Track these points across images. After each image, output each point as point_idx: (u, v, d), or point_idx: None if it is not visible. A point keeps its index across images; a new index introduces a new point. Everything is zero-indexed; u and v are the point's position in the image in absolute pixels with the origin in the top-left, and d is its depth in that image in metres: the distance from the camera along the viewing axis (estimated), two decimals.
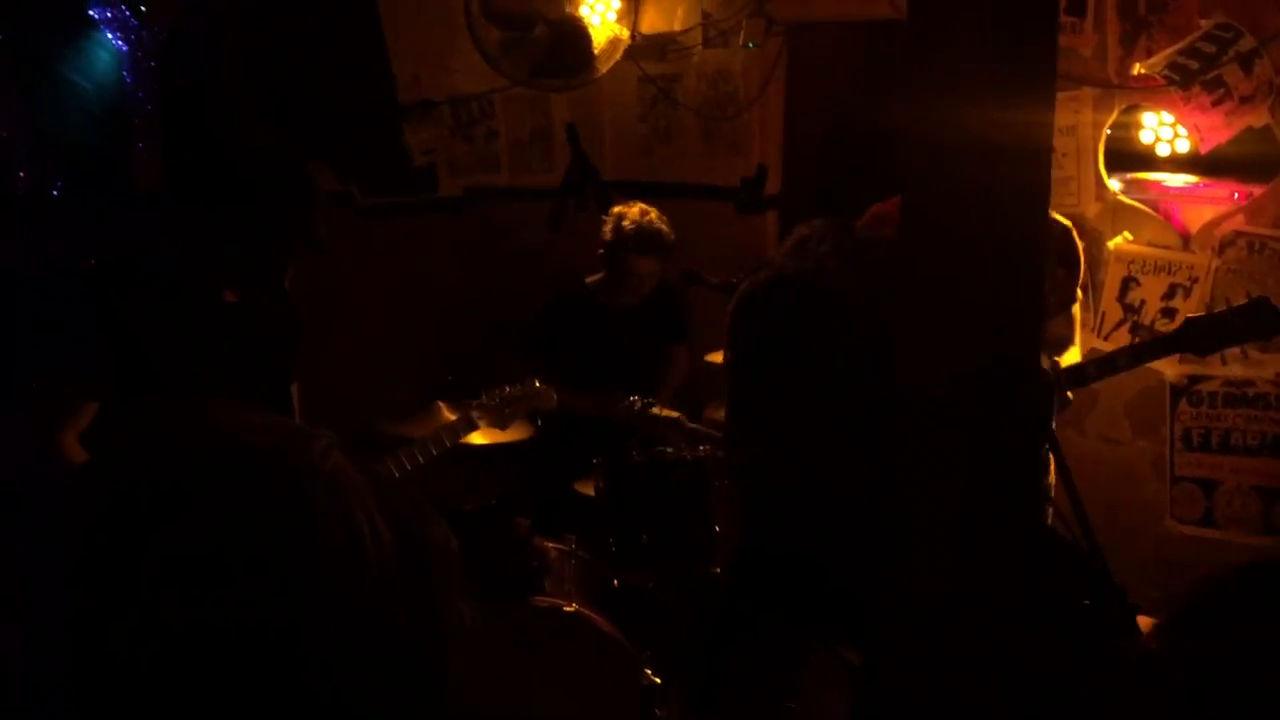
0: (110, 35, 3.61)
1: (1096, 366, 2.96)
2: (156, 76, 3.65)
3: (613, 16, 4.84)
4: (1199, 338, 2.70)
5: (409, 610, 0.87)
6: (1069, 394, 2.95)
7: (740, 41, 4.78)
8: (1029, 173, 1.53)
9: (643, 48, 4.94)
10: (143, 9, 3.64)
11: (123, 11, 3.62)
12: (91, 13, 3.58)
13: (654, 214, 4.14)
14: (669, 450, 3.82)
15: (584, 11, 4.80)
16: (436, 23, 4.65)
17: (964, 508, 1.53)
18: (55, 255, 3.44)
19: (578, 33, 4.80)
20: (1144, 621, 2.29)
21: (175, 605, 0.80)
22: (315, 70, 3.99)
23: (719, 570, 3.68)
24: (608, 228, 4.11)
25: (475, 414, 3.44)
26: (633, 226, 4.08)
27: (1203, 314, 3.08)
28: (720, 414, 4.09)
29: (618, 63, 4.91)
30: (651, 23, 4.97)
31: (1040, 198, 1.61)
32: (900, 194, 1.67)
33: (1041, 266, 1.66)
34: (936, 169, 1.52)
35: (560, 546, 3.56)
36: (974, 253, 1.51)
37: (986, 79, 1.47)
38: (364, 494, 0.87)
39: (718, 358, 3.97)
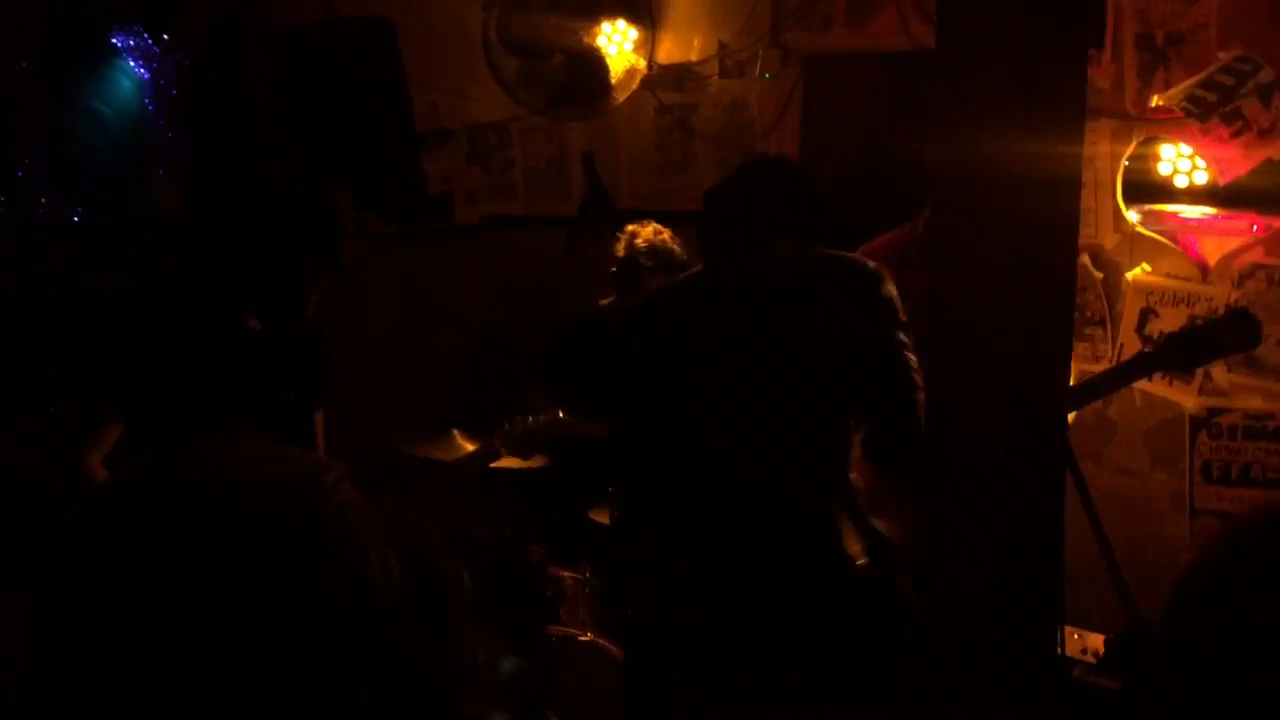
0: (132, 63, 3.64)
1: (1077, 393, 2.89)
2: (178, 104, 3.68)
3: (630, 47, 4.87)
4: (1179, 353, 2.60)
5: (421, 646, 0.86)
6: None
7: (757, 72, 4.80)
8: (1060, 204, 1.53)
9: (659, 77, 4.96)
10: (165, 37, 3.66)
11: (145, 40, 3.64)
12: (114, 40, 3.60)
13: (667, 234, 4.15)
14: None
15: (601, 42, 4.83)
16: (454, 52, 4.68)
17: (999, 533, 1.52)
18: (77, 280, 3.45)
19: (595, 63, 4.83)
20: None
21: (185, 637, 0.79)
22: (335, 98, 4.01)
23: None
24: (620, 245, 4.12)
25: (498, 443, 3.44)
26: (645, 245, 4.09)
27: (1184, 328, 3.03)
28: None
29: (634, 92, 4.93)
30: (668, 53, 4.99)
31: (1071, 228, 1.61)
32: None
33: (1072, 296, 1.65)
34: (968, 201, 1.52)
35: (575, 575, 3.55)
36: (1005, 283, 1.51)
37: (1018, 112, 1.47)
38: (376, 528, 0.86)
39: None
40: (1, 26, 3.46)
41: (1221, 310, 3.84)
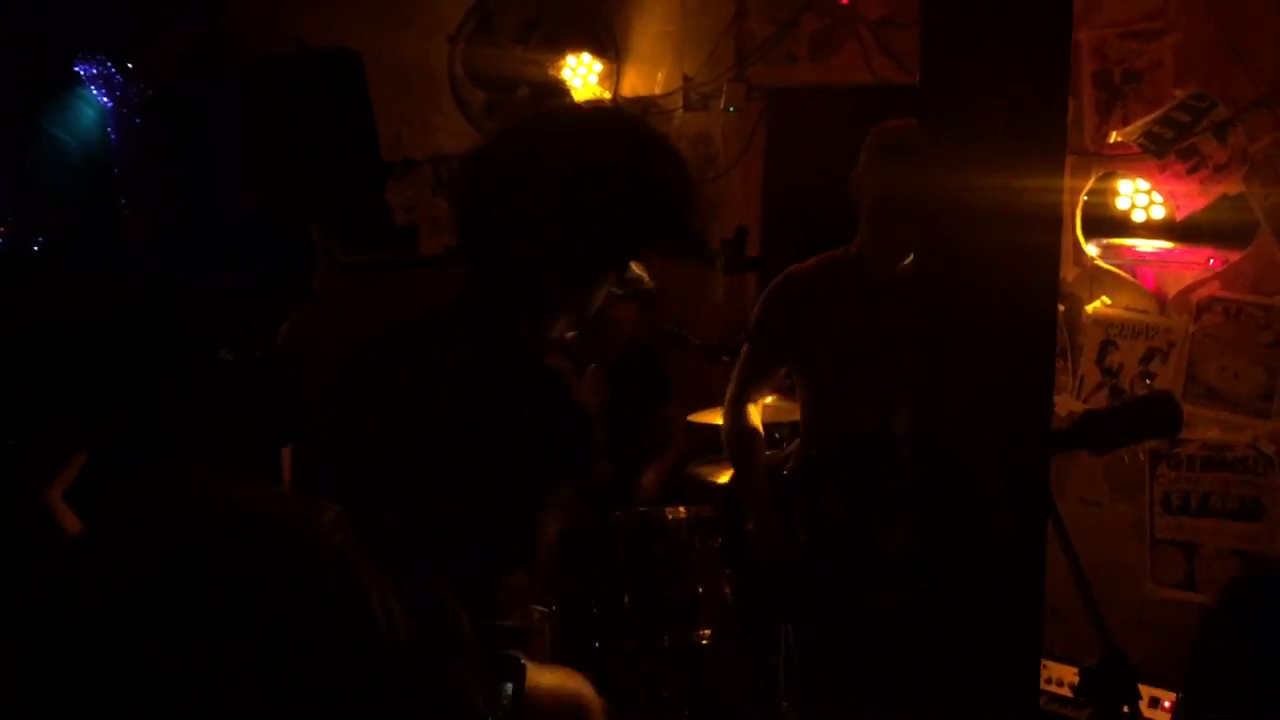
0: (96, 92, 3.60)
1: None
2: (142, 133, 3.64)
3: (594, 79, 4.90)
4: (1096, 434, 2.52)
5: (424, 687, 0.85)
6: None
7: (721, 105, 4.84)
8: (1042, 237, 1.55)
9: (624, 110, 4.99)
10: (129, 66, 3.63)
11: (109, 68, 3.61)
12: (78, 69, 3.57)
13: (634, 266, 4.16)
14: (652, 511, 3.80)
15: (566, 74, 4.86)
16: (420, 84, 4.68)
17: (981, 568, 1.53)
18: (38, 310, 3.39)
19: (560, 95, 4.85)
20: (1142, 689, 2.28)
21: (188, 677, 0.77)
22: (302, 128, 3.99)
23: (704, 633, 3.65)
24: None
25: None
26: None
27: (1103, 408, 3.05)
28: (707, 472, 4.08)
29: None
30: (633, 86, 5.03)
31: (1052, 263, 1.63)
32: None
33: (1053, 331, 1.68)
34: (952, 237, 1.54)
35: (540, 608, 3.52)
36: (990, 315, 1.53)
37: (1001, 147, 1.49)
38: (373, 570, 0.85)
39: (703, 417, 3.97)
40: None
41: (1180, 342, 3.91)
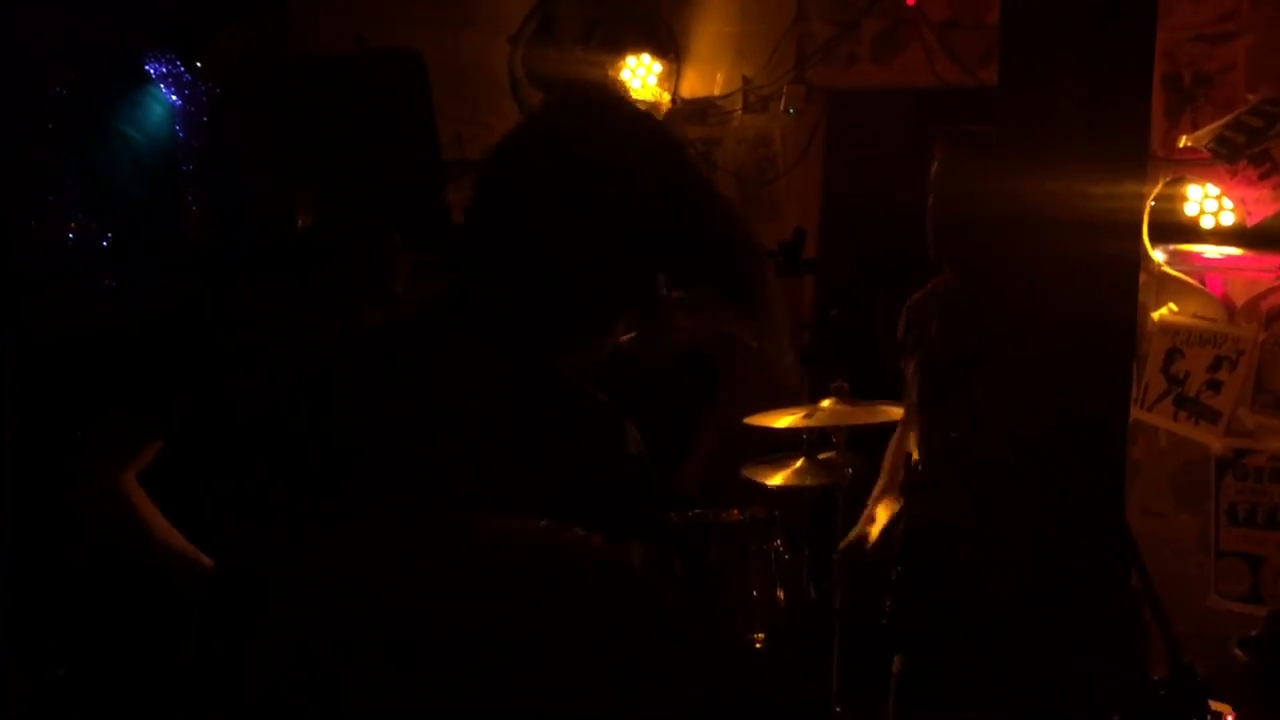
0: (165, 90, 3.65)
1: None
2: (208, 131, 3.69)
3: (654, 80, 4.89)
4: None
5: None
6: None
7: (781, 107, 4.81)
8: (1121, 246, 1.52)
9: (683, 111, 4.98)
10: (197, 65, 3.68)
11: (177, 67, 3.65)
12: (147, 68, 3.62)
13: None
14: (706, 514, 3.78)
15: (625, 75, 4.86)
16: (480, 85, 4.70)
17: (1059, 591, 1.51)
18: (105, 306, 3.45)
19: (612, 96, 4.85)
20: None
21: None
22: (363, 128, 4.02)
23: (759, 637, 3.63)
24: None
25: None
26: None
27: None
28: (760, 474, 4.05)
29: None
30: (692, 87, 5.01)
31: (1131, 271, 1.60)
32: None
33: (1133, 340, 1.65)
34: (1028, 243, 1.51)
35: None
36: (1065, 327, 1.50)
37: (1081, 151, 1.46)
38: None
39: (761, 420, 3.94)
40: (34, 53, 3.47)
41: (1249, 352, 3.83)
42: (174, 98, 3.66)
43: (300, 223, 3.86)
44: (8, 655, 2.89)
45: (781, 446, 3.98)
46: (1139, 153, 1.53)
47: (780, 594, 3.66)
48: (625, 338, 4.42)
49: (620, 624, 0.74)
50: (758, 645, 3.63)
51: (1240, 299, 3.88)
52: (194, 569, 2.52)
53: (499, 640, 0.71)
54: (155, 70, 3.63)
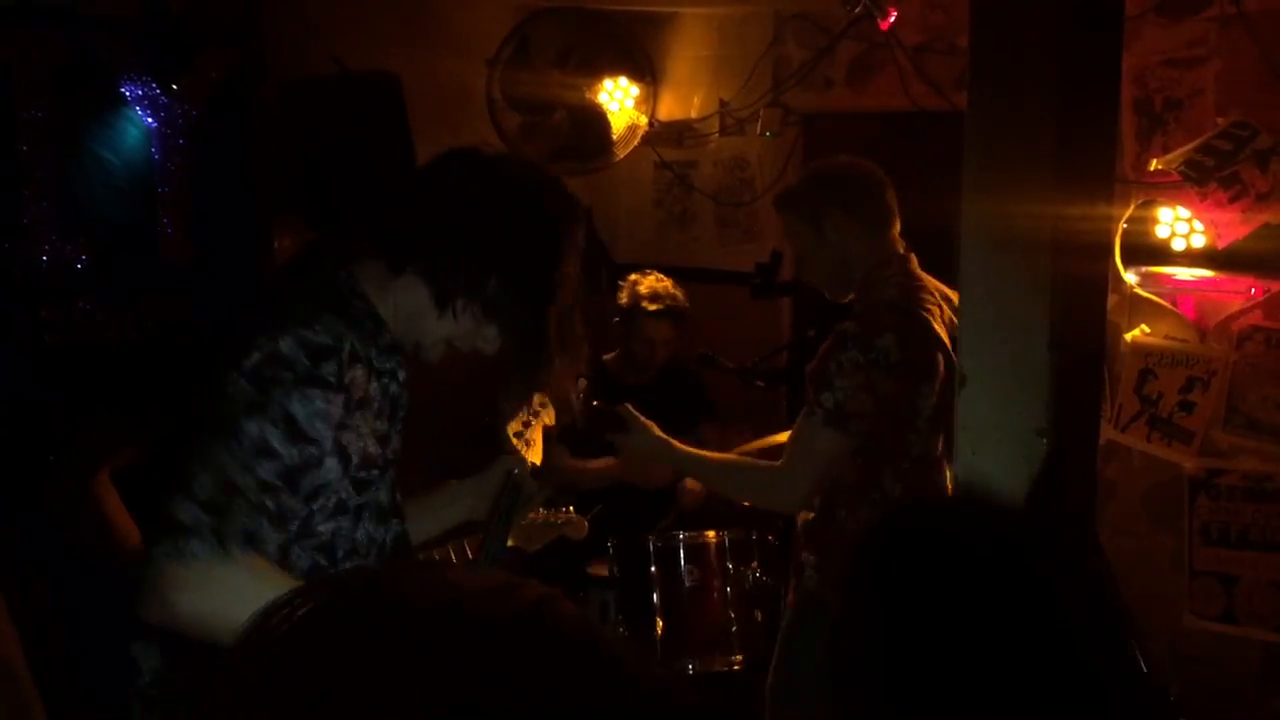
0: (140, 112, 3.64)
1: None
2: (185, 153, 3.68)
3: (631, 103, 4.92)
4: None
5: None
6: None
7: (758, 130, 4.85)
8: (1091, 266, 1.54)
9: (660, 134, 5.01)
10: (174, 87, 3.67)
11: (154, 89, 3.65)
12: (123, 90, 3.61)
13: (669, 281, 4.19)
14: (683, 535, 3.78)
15: (603, 98, 4.88)
16: (458, 107, 4.71)
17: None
18: (81, 328, 3.43)
19: (597, 119, 4.87)
20: None
21: None
22: (341, 150, 4.02)
23: (737, 659, 3.63)
24: (623, 294, 4.17)
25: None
26: (647, 290, 4.14)
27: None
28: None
29: (635, 148, 4.97)
30: (669, 110, 5.04)
31: (1100, 291, 1.63)
32: None
33: (1102, 359, 1.66)
34: (999, 264, 1.53)
35: None
36: (1036, 346, 1.52)
37: (1050, 175, 1.48)
38: None
39: (754, 445, 3.95)
40: (10, 74, 3.46)
41: (1221, 372, 3.86)
42: (150, 120, 3.65)
43: (277, 244, 3.85)
44: None
45: None
46: (1106, 176, 1.55)
47: (759, 616, 3.67)
48: (608, 356, 4.42)
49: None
50: (736, 668, 3.64)
51: (1211, 320, 3.92)
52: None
53: None
54: (131, 93, 3.62)
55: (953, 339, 2.80)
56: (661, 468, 3.77)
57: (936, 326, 2.78)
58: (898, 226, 3.01)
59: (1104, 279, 1.64)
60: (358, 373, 1.79)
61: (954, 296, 3.06)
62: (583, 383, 2.06)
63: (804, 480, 2.81)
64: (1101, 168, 1.54)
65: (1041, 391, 1.54)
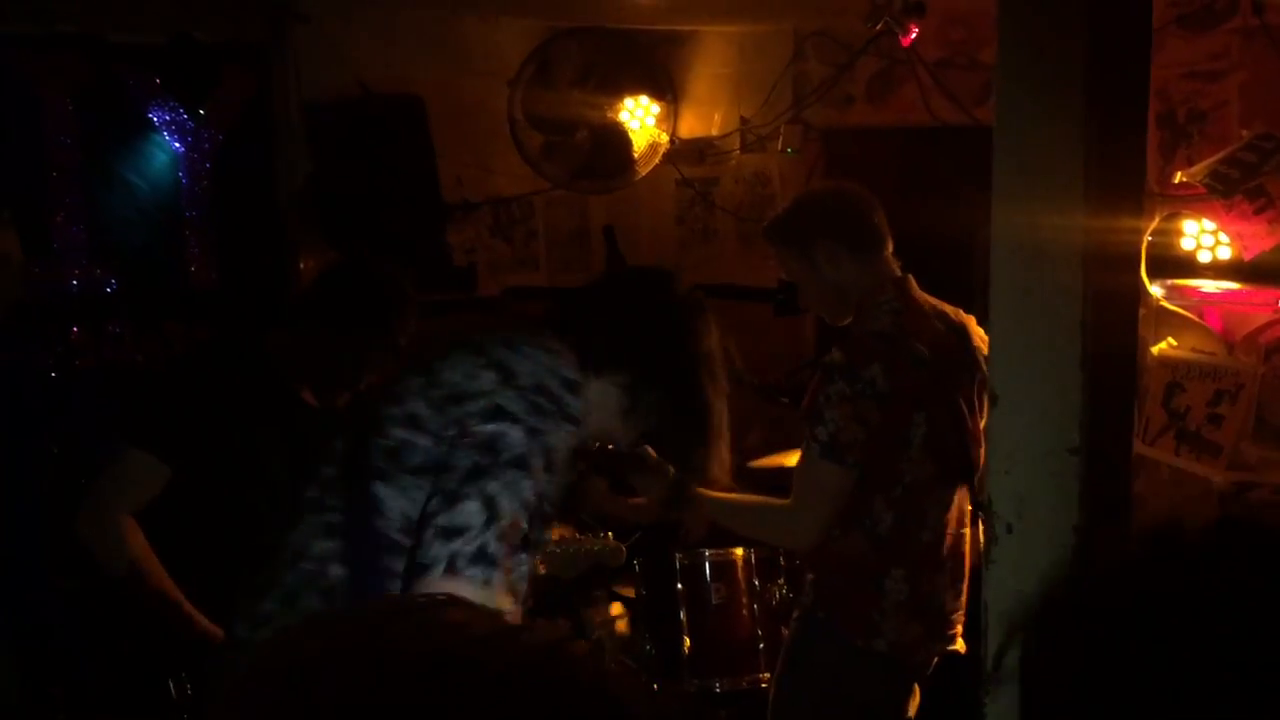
0: (167, 137, 3.68)
1: None
2: (211, 178, 3.71)
3: (652, 121, 4.94)
4: None
5: None
6: None
7: (778, 147, 4.85)
8: (1121, 279, 1.54)
9: (681, 151, 5.02)
10: (200, 112, 3.71)
11: (180, 114, 3.69)
12: (150, 115, 3.65)
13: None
14: (710, 553, 3.78)
15: (624, 116, 4.90)
16: (480, 127, 4.74)
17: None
18: (111, 351, 3.46)
19: (618, 137, 4.89)
20: None
21: None
22: (365, 171, 4.05)
23: (764, 677, 3.61)
24: None
25: (538, 560, 3.40)
26: None
27: None
28: None
29: (656, 166, 4.99)
30: (690, 128, 5.06)
31: (1131, 304, 1.62)
32: None
33: (1134, 374, 1.66)
34: (1027, 277, 1.53)
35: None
36: (1067, 361, 1.51)
37: (1079, 186, 1.48)
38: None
39: (767, 461, 3.94)
40: (39, 101, 3.51)
41: (1249, 385, 3.84)
42: (177, 145, 3.69)
43: (303, 266, 3.88)
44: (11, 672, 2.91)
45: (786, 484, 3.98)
46: (1135, 186, 1.55)
47: (785, 632, 3.66)
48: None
49: None
50: (763, 685, 3.62)
51: (1238, 333, 3.89)
52: (176, 613, 2.54)
53: None
54: (158, 118, 3.66)
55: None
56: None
57: (926, 351, 2.80)
58: (890, 247, 3.03)
59: (1136, 292, 1.63)
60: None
61: (963, 316, 3.08)
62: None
63: (811, 516, 2.83)
64: (1132, 179, 1.54)
65: (1074, 408, 1.53)
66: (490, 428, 1.76)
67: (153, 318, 3.58)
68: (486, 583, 1.69)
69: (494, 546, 1.71)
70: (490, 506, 1.72)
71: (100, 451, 2.65)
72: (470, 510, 1.71)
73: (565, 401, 1.84)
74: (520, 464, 1.75)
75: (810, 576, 3.03)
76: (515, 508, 1.74)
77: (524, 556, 1.83)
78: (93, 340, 3.44)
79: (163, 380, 2.75)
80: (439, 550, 1.70)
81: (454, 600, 0.77)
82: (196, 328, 3.61)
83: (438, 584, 1.69)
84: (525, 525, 1.77)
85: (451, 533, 1.70)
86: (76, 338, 3.43)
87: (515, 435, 1.76)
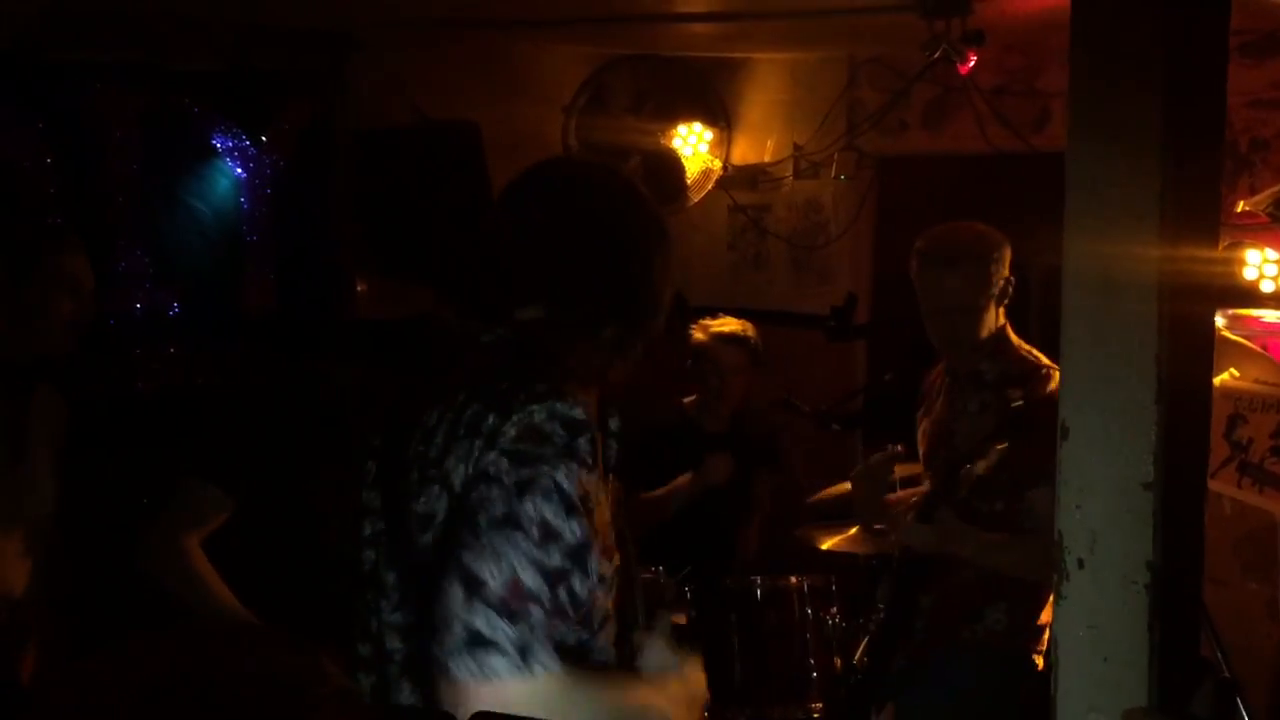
0: (230, 163, 3.73)
1: None
2: (271, 203, 3.76)
3: (705, 148, 4.95)
4: None
5: None
6: None
7: (832, 174, 4.84)
8: (1197, 311, 1.52)
9: (734, 178, 5.03)
10: (262, 139, 3.76)
11: (242, 140, 3.74)
12: (214, 141, 3.70)
13: (742, 323, 4.20)
14: (764, 579, 3.75)
15: (677, 143, 4.92)
16: (535, 154, 4.75)
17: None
18: (172, 374, 3.50)
19: (672, 164, 4.91)
20: None
21: None
22: (421, 197, 4.09)
23: (817, 707, 3.57)
24: (695, 330, 4.18)
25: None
26: (718, 323, 4.16)
27: None
28: (815, 537, 4.02)
29: (709, 192, 5.00)
30: (743, 154, 5.06)
31: (1207, 336, 1.59)
32: None
33: (1208, 406, 1.63)
34: (1096, 306, 1.51)
35: None
36: (1141, 389, 1.49)
37: (1155, 213, 1.46)
38: None
39: (828, 492, 3.91)
40: (104, 128, 3.57)
41: None
42: (239, 170, 3.74)
43: (360, 290, 3.92)
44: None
45: (837, 512, 3.95)
46: (1212, 217, 1.53)
47: (837, 662, 3.62)
48: (688, 400, 4.42)
49: None
50: (816, 716, 3.58)
51: None
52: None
53: None
54: (221, 144, 3.72)
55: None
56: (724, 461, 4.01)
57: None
58: None
59: (1211, 323, 1.61)
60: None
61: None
62: (616, 422, 1.95)
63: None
64: (1208, 207, 1.52)
65: (1148, 441, 1.50)
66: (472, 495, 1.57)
67: (211, 341, 3.63)
68: (518, 669, 1.46)
69: (484, 623, 1.48)
70: (510, 572, 1.51)
71: (162, 479, 2.67)
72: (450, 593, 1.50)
73: (560, 440, 1.61)
74: (509, 522, 1.53)
75: (1001, 605, 3.15)
76: (534, 577, 1.51)
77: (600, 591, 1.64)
78: (153, 363, 3.49)
79: (229, 411, 2.77)
80: (436, 653, 1.50)
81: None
82: (254, 352, 3.65)
83: (461, 693, 1.48)
84: (558, 592, 1.53)
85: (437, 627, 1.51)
86: (138, 360, 3.47)
87: (496, 493, 1.55)
